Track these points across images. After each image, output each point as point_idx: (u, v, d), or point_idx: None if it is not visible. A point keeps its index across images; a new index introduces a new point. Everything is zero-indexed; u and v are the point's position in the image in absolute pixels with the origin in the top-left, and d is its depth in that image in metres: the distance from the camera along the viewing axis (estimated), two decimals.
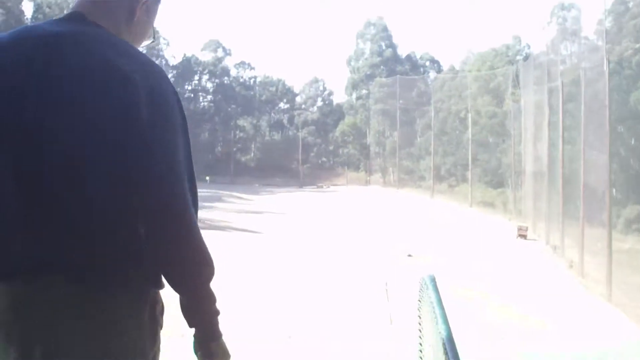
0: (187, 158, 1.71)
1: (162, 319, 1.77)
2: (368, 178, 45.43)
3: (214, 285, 1.73)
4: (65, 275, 1.60)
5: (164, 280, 1.71)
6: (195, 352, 1.78)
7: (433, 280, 2.36)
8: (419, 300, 2.59)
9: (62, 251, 1.61)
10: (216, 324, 1.74)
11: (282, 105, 56.35)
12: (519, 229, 17.05)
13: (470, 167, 30.63)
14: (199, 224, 1.70)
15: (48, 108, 1.62)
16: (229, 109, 52.10)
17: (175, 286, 1.69)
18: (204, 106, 53.12)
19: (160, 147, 1.64)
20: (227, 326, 1.83)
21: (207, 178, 40.31)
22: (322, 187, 43.68)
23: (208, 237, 1.75)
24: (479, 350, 6.40)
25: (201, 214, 1.82)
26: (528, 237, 16.64)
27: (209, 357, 1.76)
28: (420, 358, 2.71)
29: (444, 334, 2.27)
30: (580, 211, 11.74)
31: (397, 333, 6.57)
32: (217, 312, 1.74)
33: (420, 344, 2.66)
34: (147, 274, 1.68)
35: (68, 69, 1.64)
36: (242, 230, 16.77)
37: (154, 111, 1.63)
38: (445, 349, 2.22)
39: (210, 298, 1.72)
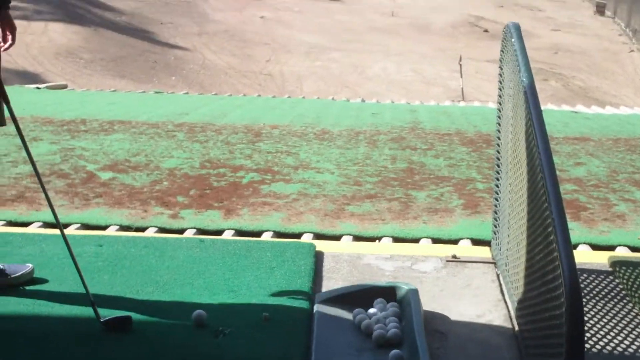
0: None
1: None
2: None
3: None
4: None
5: None
6: None
7: (517, 28, 2.33)
8: (502, 51, 2.57)
9: None
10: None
11: None
12: (597, 4, 16.23)
13: None
14: None
15: None
16: None
17: None
18: None
19: None
20: None
21: None
22: None
23: None
24: None
25: None
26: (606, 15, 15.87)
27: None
28: (499, 110, 2.75)
29: (525, 82, 2.28)
30: None
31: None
32: None
33: (500, 96, 2.70)
34: None
35: None
36: None
37: None
38: (526, 96, 2.25)
39: None
